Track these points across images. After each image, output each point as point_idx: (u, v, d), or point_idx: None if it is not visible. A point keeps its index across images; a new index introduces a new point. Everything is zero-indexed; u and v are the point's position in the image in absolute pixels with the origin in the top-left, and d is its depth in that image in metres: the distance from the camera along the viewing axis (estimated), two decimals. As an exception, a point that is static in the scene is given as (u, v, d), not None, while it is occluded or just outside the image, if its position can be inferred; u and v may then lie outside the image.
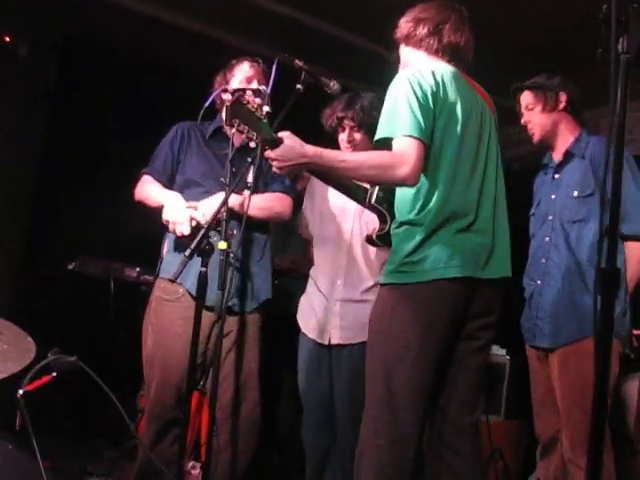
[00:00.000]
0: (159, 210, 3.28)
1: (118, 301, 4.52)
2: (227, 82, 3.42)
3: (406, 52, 2.80)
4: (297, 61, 3.02)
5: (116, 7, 4.86)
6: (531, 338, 3.41)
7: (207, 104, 3.17)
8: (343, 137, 3.49)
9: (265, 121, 2.61)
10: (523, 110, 3.52)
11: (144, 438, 3.29)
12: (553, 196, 3.41)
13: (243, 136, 2.60)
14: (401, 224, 2.60)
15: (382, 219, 2.97)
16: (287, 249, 4.59)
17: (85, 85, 5.19)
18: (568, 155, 3.40)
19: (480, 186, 2.61)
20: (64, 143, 5.13)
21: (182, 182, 3.41)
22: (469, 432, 2.62)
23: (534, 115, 3.46)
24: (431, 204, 2.52)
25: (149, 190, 3.40)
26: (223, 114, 3.28)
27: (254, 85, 3.32)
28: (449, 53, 2.73)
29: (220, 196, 3.12)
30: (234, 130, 2.58)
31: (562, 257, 3.29)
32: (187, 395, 2.93)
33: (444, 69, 2.65)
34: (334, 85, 3.08)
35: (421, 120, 2.47)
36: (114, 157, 5.14)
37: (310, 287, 3.67)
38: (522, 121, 3.52)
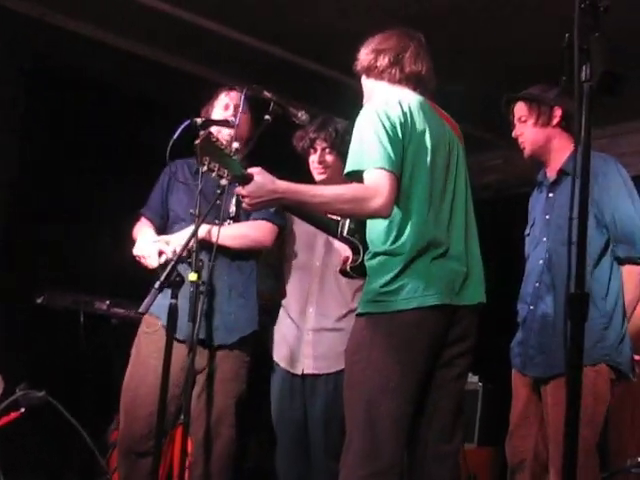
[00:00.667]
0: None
1: (88, 334, 4.48)
2: (210, 111, 3.44)
3: (369, 84, 2.79)
4: (265, 92, 3.05)
5: (83, 37, 4.87)
6: (521, 365, 3.28)
7: (175, 137, 3.14)
8: (314, 158, 3.50)
9: (235, 158, 2.60)
10: (515, 122, 3.38)
11: (116, 472, 3.25)
12: (547, 216, 3.29)
13: (214, 174, 2.60)
14: (375, 255, 2.59)
15: (355, 250, 2.93)
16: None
17: (54, 116, 5.15)
18: (562, 173, 3.26)
19: (449, 215, 2.61)
20: (33, 176, 5.08)
21: (171, 219, 3.46)
22: (448, 461, 2.59)
23: (526, 128, 3.32)
24: (406, 234, 2.52)
25: (137, 231, 3.46)
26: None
27: (229, 112, 3.33)
28: (413, 82, 2.72)
29: (189, 230, 3.11)
30: (205, 168, 2.59)
31: (556, 281, 3.16)
32: (157, 429, 2.90)
33: (411, 98, 2.65)
34: (302, 115, 3.10)
35: (391, 152, 2.47)
36: (84, 190, 5.10)
37: (281, 316, 3.65)
38: (513, 133, 3.39)
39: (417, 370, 2.49)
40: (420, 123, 2.60)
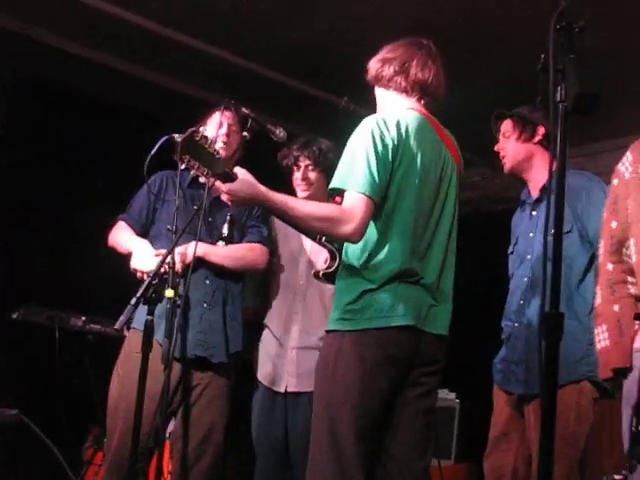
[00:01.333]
0: (128, 257, 3.28)
1: (63, 350, 4.44)
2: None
3: (379, 93, 2.81)
4: (244, 109, 3.05)
5: (64, 52, 4.86)
6: (504, 382, 3.28)
7: (153, 152, 3.11)
8: (298, 175, 3.53)
9: (218, 156, 2.60)
10: (500, 137, 3.43)
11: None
12: (531, 234, 3.30)
13: (193, 172, 2.60)
14: (347, 270, 2.60)
15: (332, 256, 2.97)
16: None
17: (34, 131, 5.13)
18: (545, 191, 3.24)
19: (430, 242, 2.61)
20: (8, 189, 5.05)
21: (156, 231, 3.40)
22: (420, 476, 2.59)
23: (508, 143, 3.36)
24: (379, 259, 2.51)
25: (120, 236, 3.39)
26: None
27: (223, 130, 3.33)
28: (418, 90, 2.72)
29: (190, 245, 3.13)
30: (183, 166, 2.58)
31: (540, 299, 3.17)
32: (133, 449, 2.88)
33: (411, 118, 2.65)
34: (280, 132, 3.11)
35: (376, 177, 2.47)
36: (62, 204, 5.07)
37: (266, 334, 3.65)
38: (496, 147, 3.43)
39: (379, 388, 2.49)
40: (414, 146, 2.59)
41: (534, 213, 3.33)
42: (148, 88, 5.26)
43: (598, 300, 2.52)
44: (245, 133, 3.02)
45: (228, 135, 3.35)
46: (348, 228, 2.43)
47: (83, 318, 4.57)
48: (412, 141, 2.59)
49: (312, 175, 3.53)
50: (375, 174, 2.48)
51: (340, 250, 2.76)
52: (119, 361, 3.34)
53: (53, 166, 5.11)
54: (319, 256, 3.26)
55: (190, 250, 3.15)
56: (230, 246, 3.35)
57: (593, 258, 3.12)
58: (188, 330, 3.24)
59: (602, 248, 2.57)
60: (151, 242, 3.36)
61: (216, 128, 3.37)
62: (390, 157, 2.53)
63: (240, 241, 3.43)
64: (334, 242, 2.95)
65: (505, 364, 3.27)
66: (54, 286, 4.85)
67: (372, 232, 2.53)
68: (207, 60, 4.89)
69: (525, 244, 3.33)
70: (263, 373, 3.58)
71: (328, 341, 2.58)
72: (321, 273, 3.00)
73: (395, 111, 2.67)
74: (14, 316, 4.47)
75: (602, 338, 2.46)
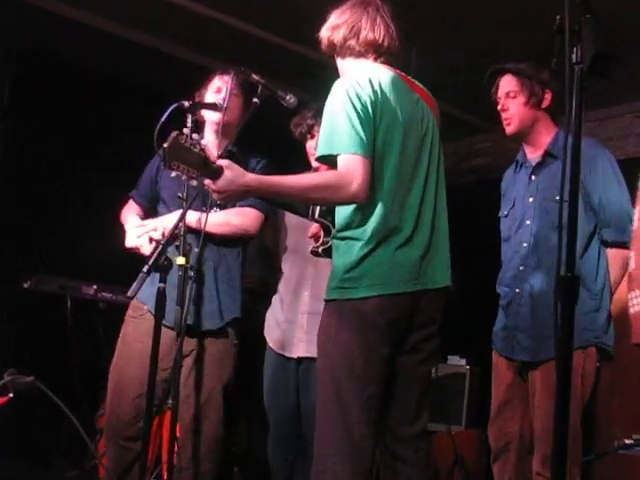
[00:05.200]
0: None
1: (75, 319, 4.46)
2: (202, 97, 3.42)
3: (338, 62, 2.76)
4: (254, 75, 3.04)
5: (72, 21, 4.83)
6: (507, 350, 3.24)
7: (162, 120, 3.10)
8: (312, 144, 3.47)
9: (203, 155, 2.57)
10: (501, 95, 3.28)
11: (104, 456, 3.25)
12: (531, 199, 3.24)
13: (184, 177, 2.59)
14: (341, 238, 2.57)
15: (327, 232, 2.94)
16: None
17: (42, 100, 5.11)
18: (547, 156, 3.23)
19: (421, 194, 2.57)
20: (20, 160, 5.05)
21: (159, 202, 3.46)
22: (413, 441, 2.60)
23: (515, 105, 3.23)
24: (370, 220, 2.48)
25: (125, 216, 3.47)
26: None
27: (221, 95, 3.31)
28: (372, 51, 2.67)
29: (175, 214, 3.10)
30: (174, 174, 2.58)
31: (543, 265, 3.13)
32: (147, 413, 2.89)
33: (382, 75, 2.60)
34: (290, 98, 3.10)
35: (362, 135, 2.43)
36: (70, 175, 5.07)
37: (275, 300, 3.66)
38: (499, 107, 3.29)
39: (380, 355, 2.48)
40: (392, 101, 2.55)
41: (534, 177, 3.27)
42: (153, 56, 5.23)
43: (632, 265, 2.51)
44: (255, 99, 3.01)
45: (233, 103, 3.33)
46: (351, 189, 2.39)
47: (94, 287, 4.60)
48: (389, 96, 2.55)
49: None
50: (361, 132, 2.43)
51: (333, 223, 2.71)
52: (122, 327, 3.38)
53: (63, 136, 5.11)
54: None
55: (170, 219, 3.14)
56: (219, 212, 3.30)
57: (596, 227, 3.15)
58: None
59: (637, 214, 2.55)
60: (159, 213, 3.39)
61: (214, 93, 3.37)
62: (371, 113, 2.48)
63: (234, 206, 3.36)
64: (327, 218, 2.90)
65: (508, 331, 3.24)
66: (65, 255, 4.87)
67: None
68: (218, 28, 4.86)
69: (524, 208, 3.27)
70: (273, 339, 3.60)
71: (328, 310, 2.56)
72: (320, 249, 2.97)
73: (363, 70, 2.62)
74: (26, 285, 4.49)
75: (636, 302, 2.46)
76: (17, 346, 4.58)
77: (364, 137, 2.44)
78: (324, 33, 2.73)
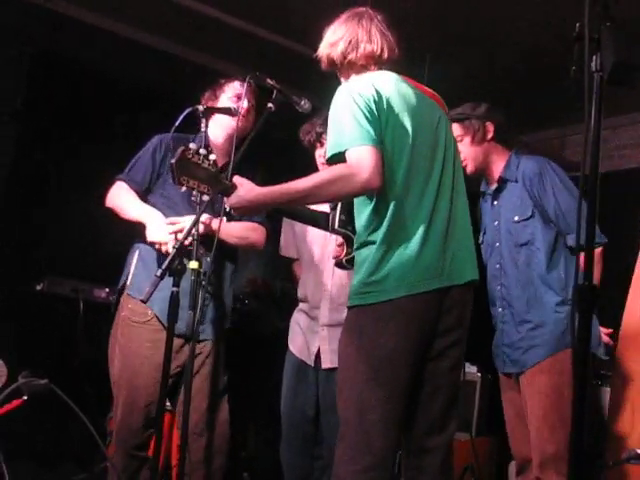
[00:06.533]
0: (131, 223, 3.25)
1: (87, 322, 4.46)
2: (216, 98, 3.40)
3: (341, 78, 2.77)
4: (268, 80, 3.03)
5: (84, 24, 4.85)
6: (500, 365, 3.44)
7: (177, 124, 3.08)
8: (321, 152, 3.46)
9: (214, 170, 2.56)
10: None
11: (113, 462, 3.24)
12: (496, 223, 3.46)
13: (195, 192, 2.56)
14: (360, 245, 2.54)
15: (349, 243, 2.88)
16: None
17: (55, 103, 5.13)
18: (502, 181, 3.45)
19: (436, 193, 2.53)
20: (31, 161, 5.06)
21: (159, 198, 3.33)
22: (438, 452, 2.54)
23: (465, 147, 3.44)
24: (384, 221, 2.46)
25: (125, 201, 3.30)
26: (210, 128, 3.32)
27: (245, 103, 3.31)
28: (373, 63, 2.69)
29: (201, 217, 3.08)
30: (184, 189, 2.55)
31: (514, 282, 3.34)
32: (158, 419, 2.89)
33: (385, 79, 2.59)
34: (305, 104, 3.09)
35: (369, 128, 2.42)
36: (84, 177, 5.07)
37: (298, 308, 3.68)
38: None
39: (407, 360, 2.43)
40: (398, 104, 2.53)
41: (495, 203, 3.48)
42: (169, 61, 5.25)
43: None
44: (270, 105, 3.00)
45: (249, 110, 3.37)
46: (363, 177, 2.36)
47: (106, 290, 4.60)
48: (394, 99, 2.53)
49: None
50: (367, 125, 2.42)
51: (354, 232, 2.68)
52: (116, 325, 3.32)
53: (76, 138, 5.11)
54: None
55: (215, 223, 3.13)
56: (236, 224, 3.32)
57: (558, 236, 3.30)
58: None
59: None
60: (163, 211, 3.25)
61: (234, 99, 3.36)
62: (375, 110, 2.47)
63: (240, 219, 3.32)
64: (347, 227, 2.86)
65: (498, 349, 3.43)
66: (78, 257, 4.87)
67: (375, 199, 2.48)
68: (231, 32, 4.88)
69: (492, 233, 3.48)
70: (295, 345, 3.61)
71: (350, 316, 2.52)
72: (344, 260, 2.91)
73: (364, 76, 2.62)
74: (39, 287, 4.50)
75: None
76: (29, 348, 4.58)
77: (371, 130, 2.42)
78: (322, 51, 2.74)
